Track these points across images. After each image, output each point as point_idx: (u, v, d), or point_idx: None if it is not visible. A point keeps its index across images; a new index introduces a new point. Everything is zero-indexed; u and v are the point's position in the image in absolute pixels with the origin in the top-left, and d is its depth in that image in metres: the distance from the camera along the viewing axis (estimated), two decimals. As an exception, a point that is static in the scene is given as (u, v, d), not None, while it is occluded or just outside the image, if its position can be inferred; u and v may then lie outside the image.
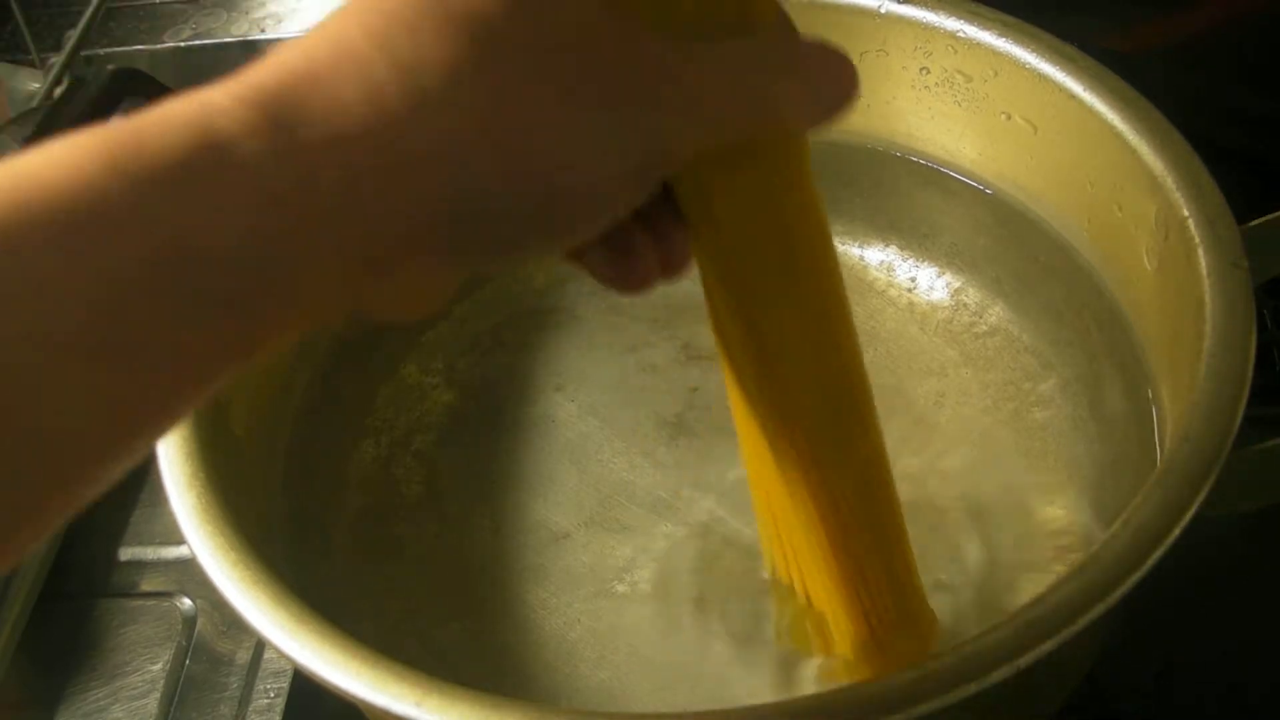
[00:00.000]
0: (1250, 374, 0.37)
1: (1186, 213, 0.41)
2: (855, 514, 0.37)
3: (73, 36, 0.64)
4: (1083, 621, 0.32)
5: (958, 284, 0.53)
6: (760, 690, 0.42)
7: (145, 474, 0.58)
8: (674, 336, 0.53)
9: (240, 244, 0.23)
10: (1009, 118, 0.50)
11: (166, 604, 0.54)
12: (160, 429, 0.24)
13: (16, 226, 0.21)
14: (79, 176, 0.22)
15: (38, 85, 0.65)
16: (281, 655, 0.35)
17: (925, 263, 0.54)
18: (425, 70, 0.24)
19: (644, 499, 0.48)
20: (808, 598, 0.41)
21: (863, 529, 0.38)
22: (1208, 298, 0.39)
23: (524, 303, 0.54)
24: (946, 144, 0.53)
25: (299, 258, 0.23)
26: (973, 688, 0.31)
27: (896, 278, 0.54)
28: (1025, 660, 0.32)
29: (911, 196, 0.54)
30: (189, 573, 0.54)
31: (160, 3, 0.74)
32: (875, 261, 0.55)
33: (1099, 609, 0.32)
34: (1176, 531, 0.34)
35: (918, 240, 0.55)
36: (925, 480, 0.48)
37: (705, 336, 0.38)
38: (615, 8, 0.26)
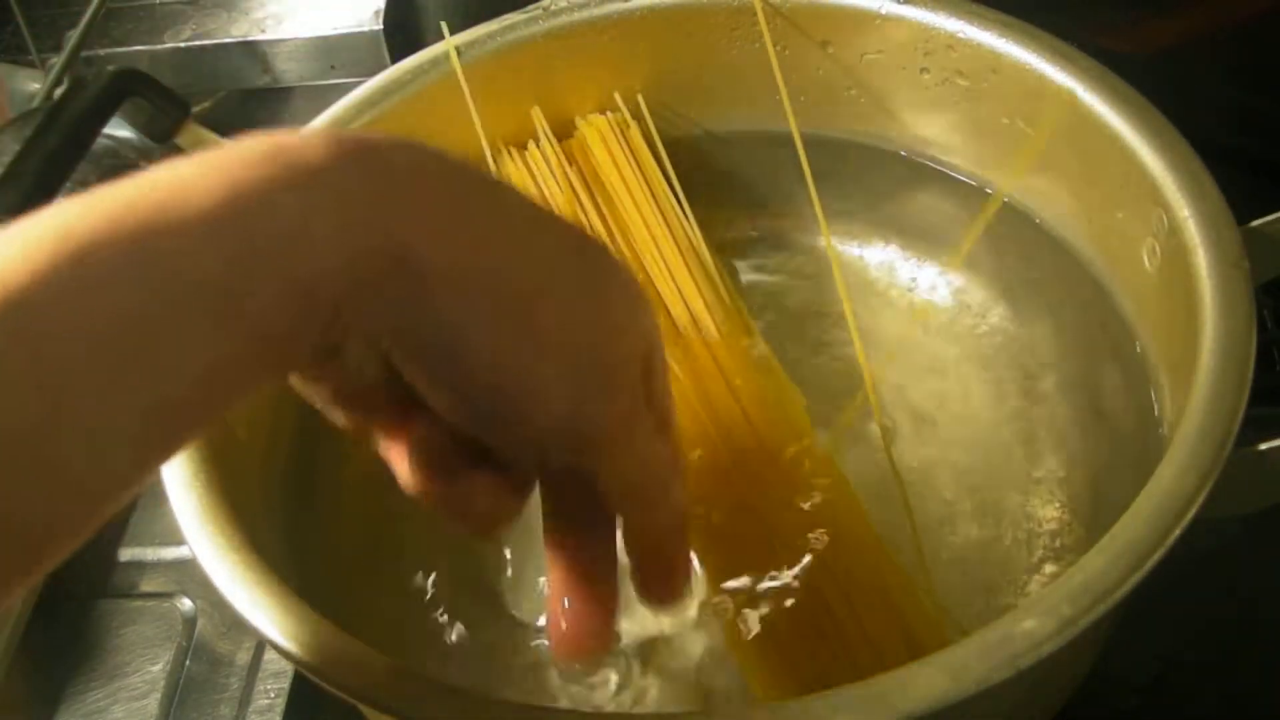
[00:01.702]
0: (1250, 374, 0.37)
1: (1187, 213, 0.41)
2: None
3: (73, 37, 0.64)
4: (1083, 622, 0.32)
5: (958, 284, 0.53)
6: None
7: (145, 474, 0.58)
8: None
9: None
10: (1009, 118, 0.49)
11: (166, 604, 0.54)
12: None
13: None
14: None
15: (38, 85, 0.65)
16: (281, 655, 0.35)
17: (926, 263, 0.54)
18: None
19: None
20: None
21: None
22: (1208, 298, 0.39)
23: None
24: (946, 144, 0.53)
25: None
26: (973, 688, 0.31)
27: (897, 278, 0.54)
28: (1025, 660, 0.32)
29: (911, 196, 0.54)
30: (189, 573, 0.54)
31: (160, 3, 0.74)
32: (876, 262, 0.55)
33: (1099, 609, 0.32)
34: (1177, 532, 0.34)
35: (918, 240, 0.55)
36: (924, 480, 0.48)
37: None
38: None
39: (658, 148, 0.53)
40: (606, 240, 0.51)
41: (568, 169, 0.52)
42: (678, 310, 0.50)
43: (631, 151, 0.53)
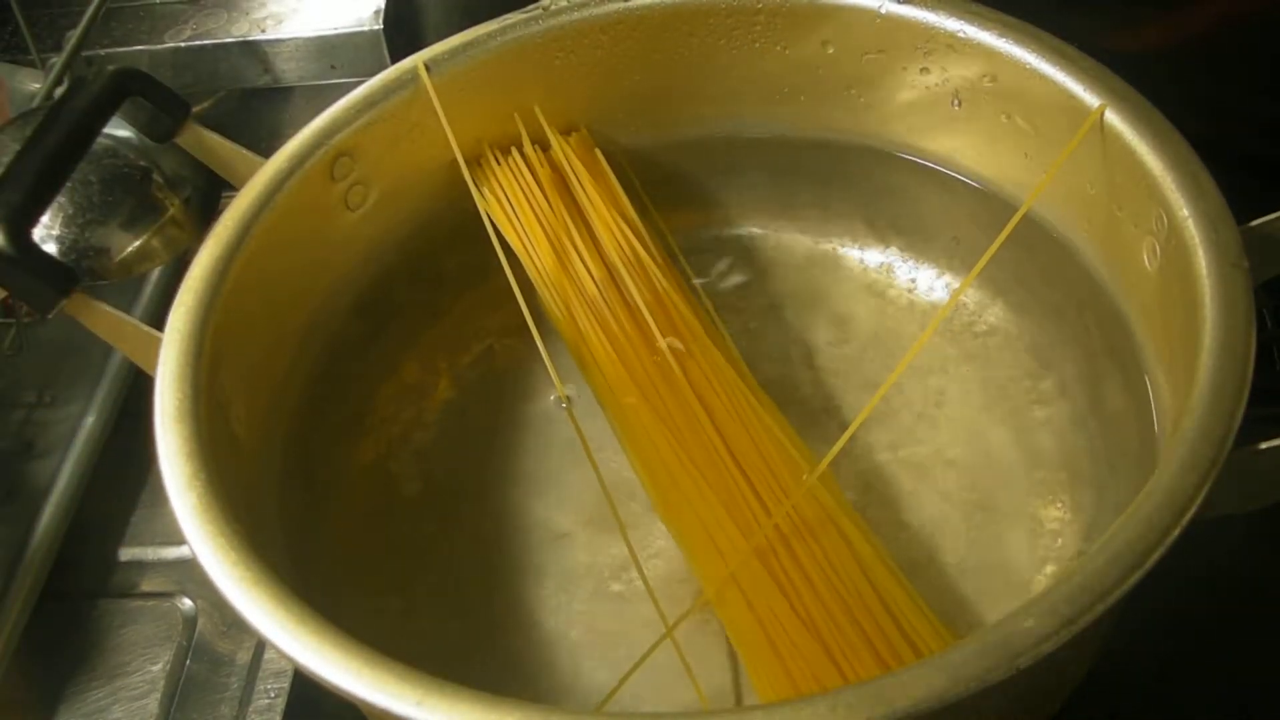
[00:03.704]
0: (1250, 374, 0.37)
1: (1186, 213, 0.41)
2: None
3: (73, 36, 0.64)
4: (1083, 621, 0.32)
5: (958, 284, 0.53)
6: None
7: (145, 474, 0.58)
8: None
9: None
10: (1009, 118, 0.50)
11: (166, 604, 0.54)
12: None
13: None
14: None
15: (38, 85, 0.65)
16: (281, 655, 0.35)
17: (925, 263, 0.54)
18: None
19: (643, 497, 0.48)
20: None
21: None
22: (1208, 298, 0.39)
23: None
24: (946, 144, 0.53)
25: None
26: (973, 687, 0.31)
27: (897, 278, 0.54)
28: (1025, 660, 0.32)
29: (912, 197, 0.54)
30: (189, 573, 0.54)
31: (160, 3, 0.74)
32: (876, 262, 0.55)
33: (1099, 609, 0.32)
34: (1176, 532, 0.34)
35: (918, 240, 0.55)
36: (924, 479, 0.48)
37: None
38: None
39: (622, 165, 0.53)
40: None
41: (553, 174, 0.52)
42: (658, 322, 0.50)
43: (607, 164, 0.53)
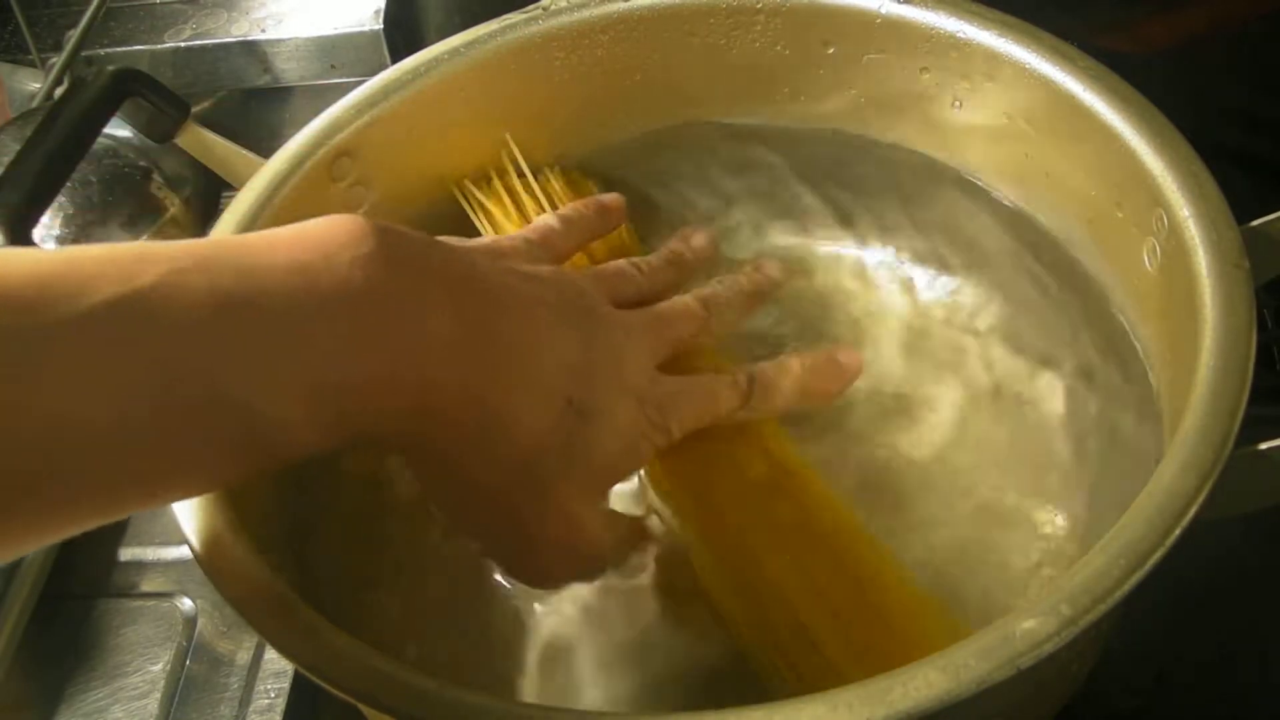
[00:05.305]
0: (1250, 374, 0.37)
1: (1186, 213, 0.41)
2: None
3: (73, 36, 0.65)
4: (1084, 622, 0.32)
5: (956, 284, 0.53)
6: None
7: (145, 474, 0.58)
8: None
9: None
10: (1009, 118, 0.50)
11: (166, 604, 0.54)
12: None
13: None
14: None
15: (38, 85, 0.65)
16: (281, 655, 0.35)
17: (924, 263, 0.54)
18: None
19: (642, 497, 0.48)
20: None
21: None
22: (1208, 298, 0.39)
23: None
24: (946, 144, 0.53)
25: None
26: (973, 688, 0.31)
27: (896, 278, 0.54)
28: (1025, 660, 0.32)
29: (911, 197, 0.54)
30: (189, 573, 0.54)
31: (160, 3, 0.74)
32: (875, 261, 0.55)
33: (1099, 609, 0.32)
34: (1177, 532, 0.34)
35: (918, 241, 0.55)
36: (923, 480, 0.48)
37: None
38: None
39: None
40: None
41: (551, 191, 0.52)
42: None
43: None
